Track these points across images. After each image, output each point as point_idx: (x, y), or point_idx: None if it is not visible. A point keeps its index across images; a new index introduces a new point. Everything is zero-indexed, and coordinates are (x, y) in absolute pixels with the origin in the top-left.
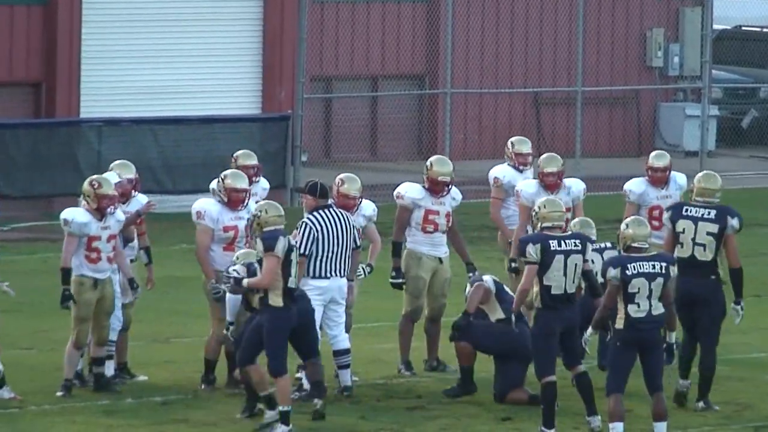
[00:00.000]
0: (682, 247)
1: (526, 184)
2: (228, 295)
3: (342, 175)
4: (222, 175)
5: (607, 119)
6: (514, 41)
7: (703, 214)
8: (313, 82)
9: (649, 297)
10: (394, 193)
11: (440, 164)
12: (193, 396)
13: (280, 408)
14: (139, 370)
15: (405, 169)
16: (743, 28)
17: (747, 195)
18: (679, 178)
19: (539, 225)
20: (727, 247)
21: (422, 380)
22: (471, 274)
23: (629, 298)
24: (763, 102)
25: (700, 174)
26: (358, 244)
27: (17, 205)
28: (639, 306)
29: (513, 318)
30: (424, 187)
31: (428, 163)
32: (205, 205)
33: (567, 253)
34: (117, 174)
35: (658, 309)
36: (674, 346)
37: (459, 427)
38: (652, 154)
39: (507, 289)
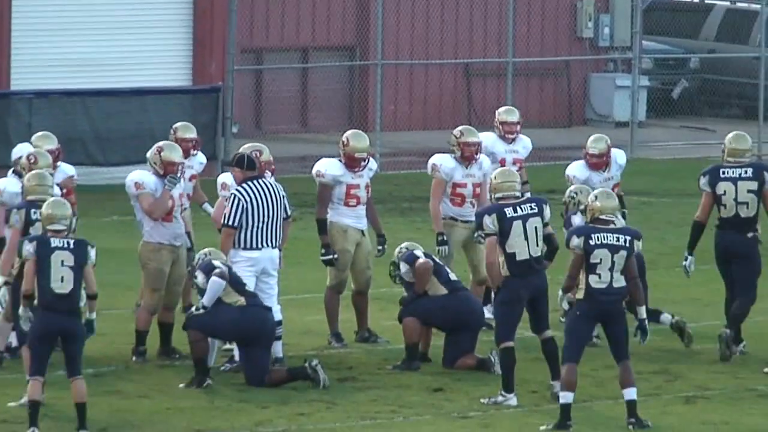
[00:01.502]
0: (725, 208)
1: (443, 158)
2: (211, 281)
3: (249, 143)
4: (158, 148)
5: (537, 90)
6: (445, 12)
7: (740, 174)
8: (243, 54)
9: (611, 269)
10: (314, 171)
11: (357, 139)
12: (124, 368)
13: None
14: None
15: (335, 140)
16: None
17: (677, 165)
18: (619, 157)
19: (493, 197)
20: (765, 201)
21: (353, 351)
22: (381, 247)
23: (591, 269)
24: (693, 72)
25: (730, 135)
26: (289, 214)
27: None
28: (600, 277)
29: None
30: (340, 161)
31: (344, 138)
32: (143, 177)
33: (524, 218)
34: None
35: (620, 281)
36: (645, 322)
37: (390, 398)
38: (591, 138)
39: (435, 258)
